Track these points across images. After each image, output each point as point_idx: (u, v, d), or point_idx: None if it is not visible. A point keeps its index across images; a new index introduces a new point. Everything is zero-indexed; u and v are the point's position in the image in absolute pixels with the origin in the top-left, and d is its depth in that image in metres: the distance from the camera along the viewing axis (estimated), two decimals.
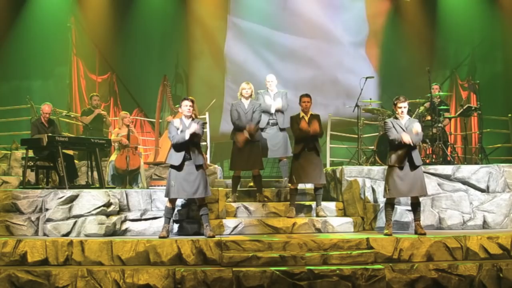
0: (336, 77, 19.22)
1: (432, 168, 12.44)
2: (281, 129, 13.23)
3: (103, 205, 11.22)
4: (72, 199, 11.21)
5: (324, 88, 19.00)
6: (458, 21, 19.25)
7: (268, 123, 13.18)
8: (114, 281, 9.95)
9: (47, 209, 11.20)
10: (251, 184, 13.29)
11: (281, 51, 19.16)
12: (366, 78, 14.58)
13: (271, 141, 13.06)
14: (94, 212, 11.13)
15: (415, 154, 11.08)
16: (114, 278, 9.97)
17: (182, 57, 19.24)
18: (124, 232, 11.34)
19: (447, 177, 12.33)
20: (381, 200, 12.21)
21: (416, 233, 11.11)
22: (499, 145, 17.12)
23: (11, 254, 10.40)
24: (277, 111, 13.22)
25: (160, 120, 15.54)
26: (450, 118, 15.22)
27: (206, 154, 14.72)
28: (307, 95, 12.19)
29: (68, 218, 11.11)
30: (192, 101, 11.23)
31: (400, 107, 11.25)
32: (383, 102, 16.63)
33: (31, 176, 13.31)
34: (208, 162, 14.61)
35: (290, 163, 12.44)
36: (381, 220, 12.05)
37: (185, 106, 11.04)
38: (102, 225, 11.11)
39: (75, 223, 11.11)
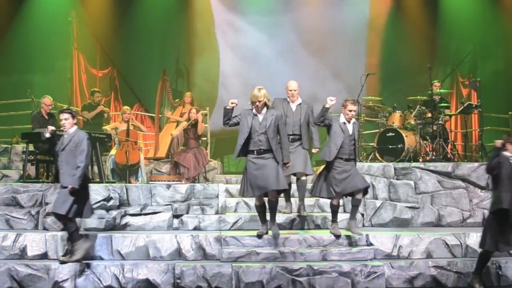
0: (337, 73, 19.19)
1: (432, 165, 12.44)
2: (303, 148, 11.50)
3: (103, 200, 11.23)
4: None
5: (325, 84, 18.97)
6: (460, 18, 19.20)
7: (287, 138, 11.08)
8: (113, 275, 9.99)
9: (47, 203, 11.23)
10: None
11: (282, 46, 19.12)
12: (367, 74, 14.58)
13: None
14: (94, 206, 11.13)
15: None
16: (114, 272, 10.00)
17: (183, 52, 19.20)
18: (124, 226, 11.35)
19: (447, 174, 12.34)
20: (381, 196, 12.23)
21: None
22: None
23: (11, 247, 10.43)
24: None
25: (160, 115, 15.53)
26: (450, 115, 15.20)
27: (206, 149, 14.70)
28: (354, 102, 10.78)
29: None
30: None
31: (351, 110, 10.52)
32: (384, 98, 16.60)
33: (31, 170, 13.31)
34: (209, 157, 14.60)
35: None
36: (381, 217, 12.07)
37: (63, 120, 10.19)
38: (102, 219, 11.12)
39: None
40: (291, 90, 11.59)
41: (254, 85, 16.87)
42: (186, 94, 15.46)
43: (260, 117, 10.29)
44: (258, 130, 10.20)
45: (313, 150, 11.68)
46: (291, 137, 11.25)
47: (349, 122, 10.60)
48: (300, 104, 11.55)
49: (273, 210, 10.39)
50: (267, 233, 10.51)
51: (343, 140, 10.47)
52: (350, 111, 10.54)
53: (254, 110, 10.31)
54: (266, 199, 10.39)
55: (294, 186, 11.80)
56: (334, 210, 10.66)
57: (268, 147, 10.17)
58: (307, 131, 11.54)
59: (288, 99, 11.62)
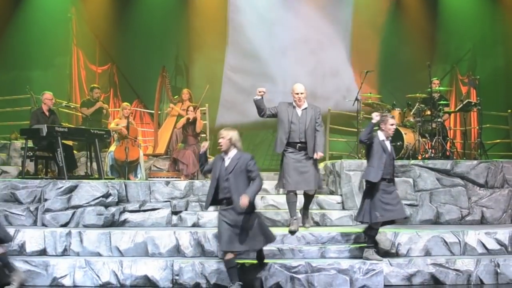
0: (336, 71, 19.19)
1: (431, 163, 12.44)
2: (311, 158, 10.61)
3: (102, 196, 11.23)
4: (71, 189, 11.23)
5: (325, 81, 18.98)
6: (459, 15, 19.22)
7: (294, 146, 10.58)
8: (112, 271, 9.98)
9: (46, 200, 11.23)
10: None
11: (281, 43, 19.12)
12: (366, 72, 14.56)
13: (298, 167, 10.52)
14: (93, 202, 11.15)
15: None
16: (112, 269, 9.99)
17: (183, 49, 19.21)
18: (123, 223, 11.35)
19: (446, 172, 12.33)
20: None
21: None
22: (498, 140, 17.11)
23: (10, 243, 10.40)
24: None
25: (159, 112, 15.53)
26: (449, 113, 15.20)
27: None
28: (394, 116, 10.54)
29: (67, 209, 11.14)
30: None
31: (392, 124, 10.23)
32: (383, 96, 16.60)
33: (30, 166, 13.31)
34: (208, 154, 14.58)
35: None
36: None
37: None
38: (100, 216, 11.12)
39: (73, 213, 11.13)
40: (297, 94, 10.60)
41: (253, 82, 16.99)
42: (183, 91, 15.43)
43: (227, 161, 9.22)
44: (224, 176, 9.15)
45: (315, 156, 10.52)
46: (298, 145, 10.52)
47: (387, 139, 10.16)
48: (306, 108, 10.62)
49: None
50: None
51: (386, 159, 10.06)
52: (392, 125, 10.13)
53: (223, 153, 9.32)
54: None
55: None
56: (372, 235, 10.14)
57: (231, 196, 9.12)
58: (314, 138, 10.61)
59: (294, 103, 10.64)
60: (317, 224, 11.64)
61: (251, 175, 9.07)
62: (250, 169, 9.08)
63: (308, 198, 10.89)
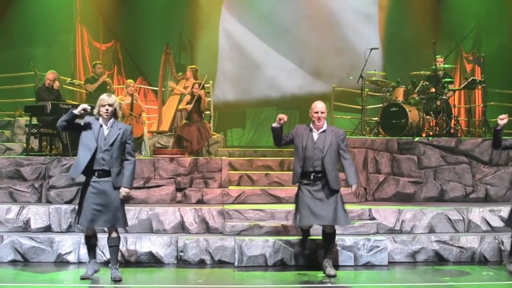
0: (340, 48, 19.13)
1: (436, 140, 12.44)
2: (331, 190, 9.06)
3: None
4: None
5: (329, 58, 18.92)
6: None
7: (308, 176, 9.09)
8: None
9: (50, 176, 11.26)
10: None
11: (285, 20, 19.04)
12: (371, 49, 14.49)
13: (313, 198, 9.01)
14: None
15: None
16: None
17: (187, 26, 19.16)
18: (127, 200, 11.35)
19: (450, 150, 12.33)
20: (384, 171, 12.22)
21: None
22: None
23: (15, 220, 10.48)
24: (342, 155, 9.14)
25: (163, 89, 15.48)
26: (454, 91, 15.15)
27: (209, 123, 14.67)
28: None
29: (71, 186, 11.16)
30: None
31: None
32: (387, 73, 16.56)
33: (34, 143, 13.33)
34: (212, 131, 14.58)
35: None
36: (384, 191, 12.08)
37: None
38: None
39: (78, 190, 11.12)
40: (317, 113, 9.03)
41: (256, 59, 16.94)
42: (188, 69, 15.35)
43: (106, 130, 8.58)
44: (102, 146, 8.47)
45: (350, 190, 9.70)
46: (313, 175, 9.02)
47: None
48: (324, 131, 9.09)
49: (116, 251, 8.89)
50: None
51: None
52: None
53: (100, 120, 8.64)
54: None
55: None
56: None
57: (109, 169, 8.49)
58: (336, 166, 9.14)
59: (312, 124, 9.12)
60: None
61: (127, 149, 8.56)
62: (129, 142, 8.57)
63: (326, 237, 9.26)
